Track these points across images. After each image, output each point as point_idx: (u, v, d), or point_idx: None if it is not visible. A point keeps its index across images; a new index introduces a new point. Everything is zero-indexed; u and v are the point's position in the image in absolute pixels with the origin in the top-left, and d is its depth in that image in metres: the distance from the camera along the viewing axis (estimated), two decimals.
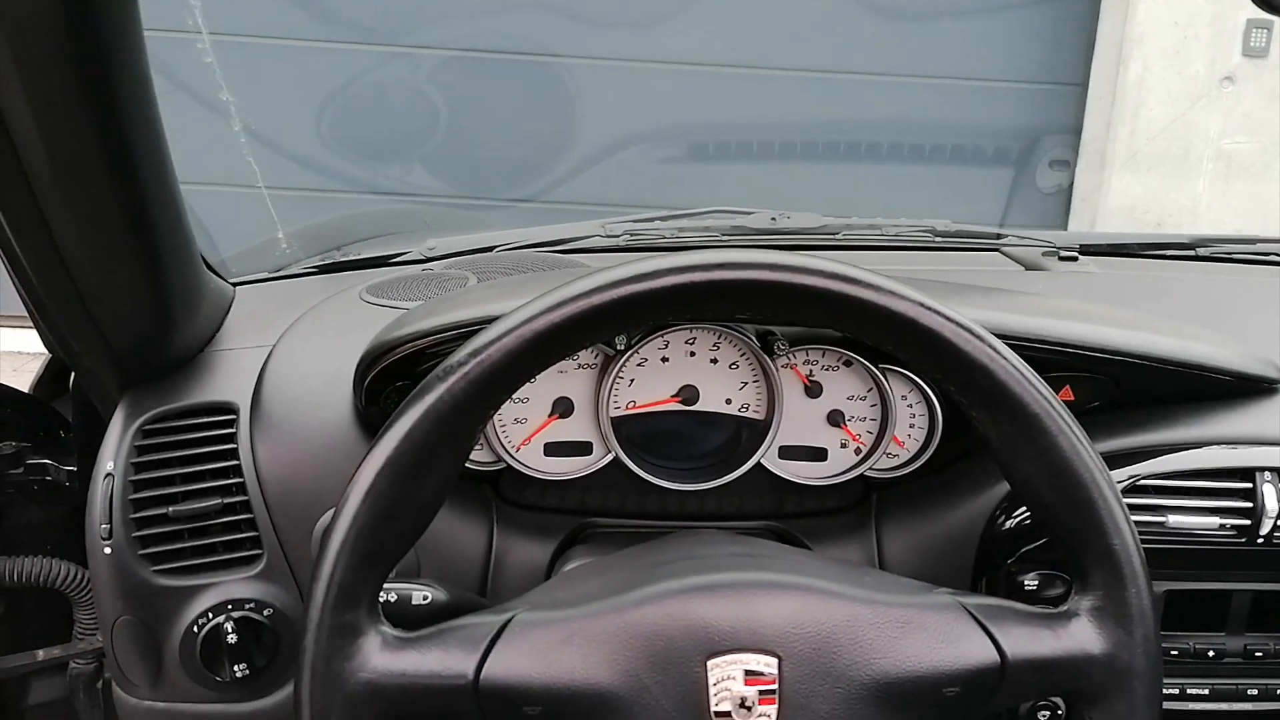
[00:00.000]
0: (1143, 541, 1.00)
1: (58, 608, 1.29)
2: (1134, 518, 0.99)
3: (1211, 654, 1.04)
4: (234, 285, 1.21)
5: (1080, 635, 0.73)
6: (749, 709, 0.70)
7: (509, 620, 0.72)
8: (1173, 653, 1.04)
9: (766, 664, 0.70)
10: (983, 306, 0.73)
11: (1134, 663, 0.72)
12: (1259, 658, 1.04)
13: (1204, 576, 1.02)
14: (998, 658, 0.73)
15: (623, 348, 1.01)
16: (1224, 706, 1.05)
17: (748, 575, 0.74)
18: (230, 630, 0.95)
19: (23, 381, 1.29)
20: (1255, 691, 1.05)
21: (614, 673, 0.70)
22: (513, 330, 0.69)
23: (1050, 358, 1.00)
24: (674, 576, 0.74)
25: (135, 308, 0.95)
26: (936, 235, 1.46)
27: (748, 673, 0.70)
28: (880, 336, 0.72)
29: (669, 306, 0.70)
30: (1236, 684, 1.05)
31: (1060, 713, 1.01)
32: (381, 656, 0.69)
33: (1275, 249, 1.51)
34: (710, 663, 0.70)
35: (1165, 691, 1.04)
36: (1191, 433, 1.04)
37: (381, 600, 0.75)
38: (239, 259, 1.36)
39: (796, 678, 0.70)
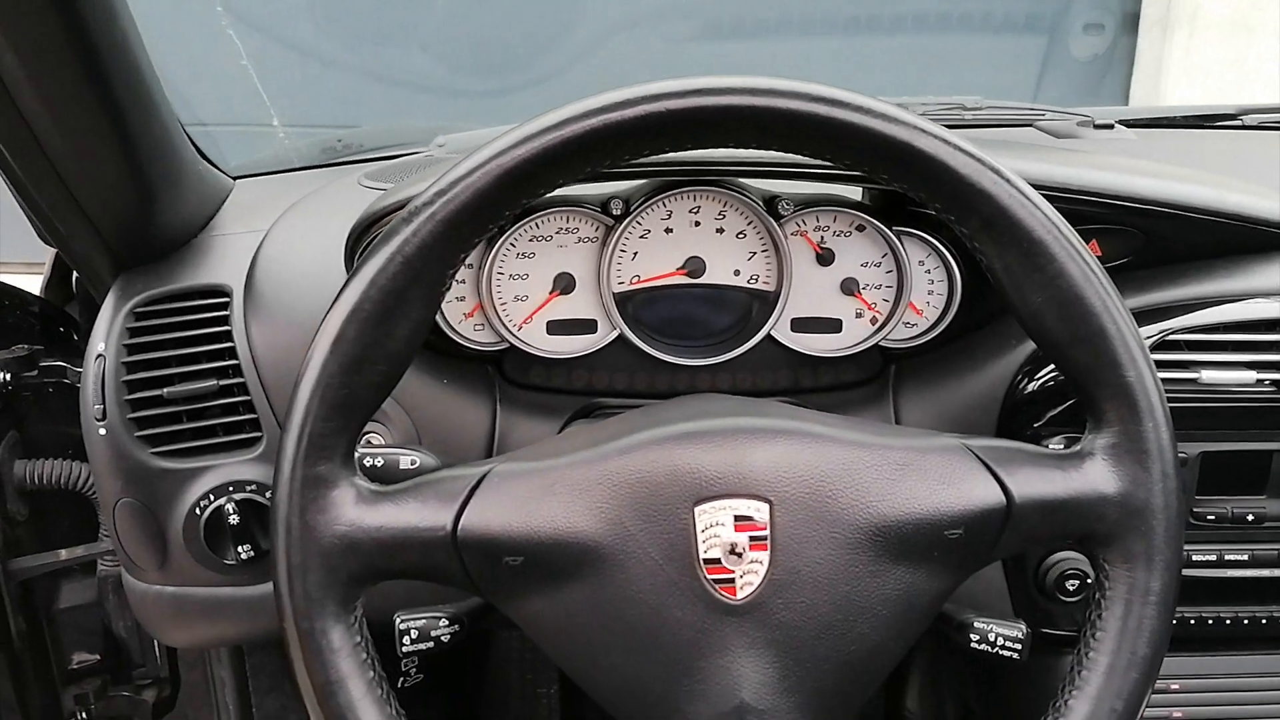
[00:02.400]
0: (1174, 400, 0.95)
1: (83, 511, 1.30)
2: (1164, 375, 0.95)
3: (1251, 518, 0.99)
4: (235, 179, 1.19)
5: (1093, 475, 0.69)
6: (739, 555, 0.67)
7: (487, 472, 0.70)
8: (1209, 518, 0.99)
9: (757, 509, 0.67)
10: (1000, 154, 0.68)
11: (1151, 500, 0.68)
12: None
13: (1242, 436, 0.97)
14: (1003, 499, 0.69)
15: (619, 213, 0.97)
16: (1265, 573, 1.01)
17: (737, 420, 0.71)
18: (232, 511, 0.94)
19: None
20: None
21: (598, 521, 0.68)
22: (481, 167, 0.65)
23: (1075, 209, 0.95)
24: (660, 424, 0.71)
25: (114, 185, 0.93)
26: (966, 111, 1.40)
27: (737, 518, 0.67)
28: (873, 163, 0.67)
29: (644, 137, 0.66)
30: (1278, 550, 1.00)
31: (1089, 580, 0.97)
32: (357, 510, 0.67)
33: None
34: (698, 509, 0.67)
35: (1201, 558, 1.00)
36: (1226, 286, 0.98)
37: (368, 465, 0.73)
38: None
39: (789, 523, 0.67)
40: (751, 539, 0.67)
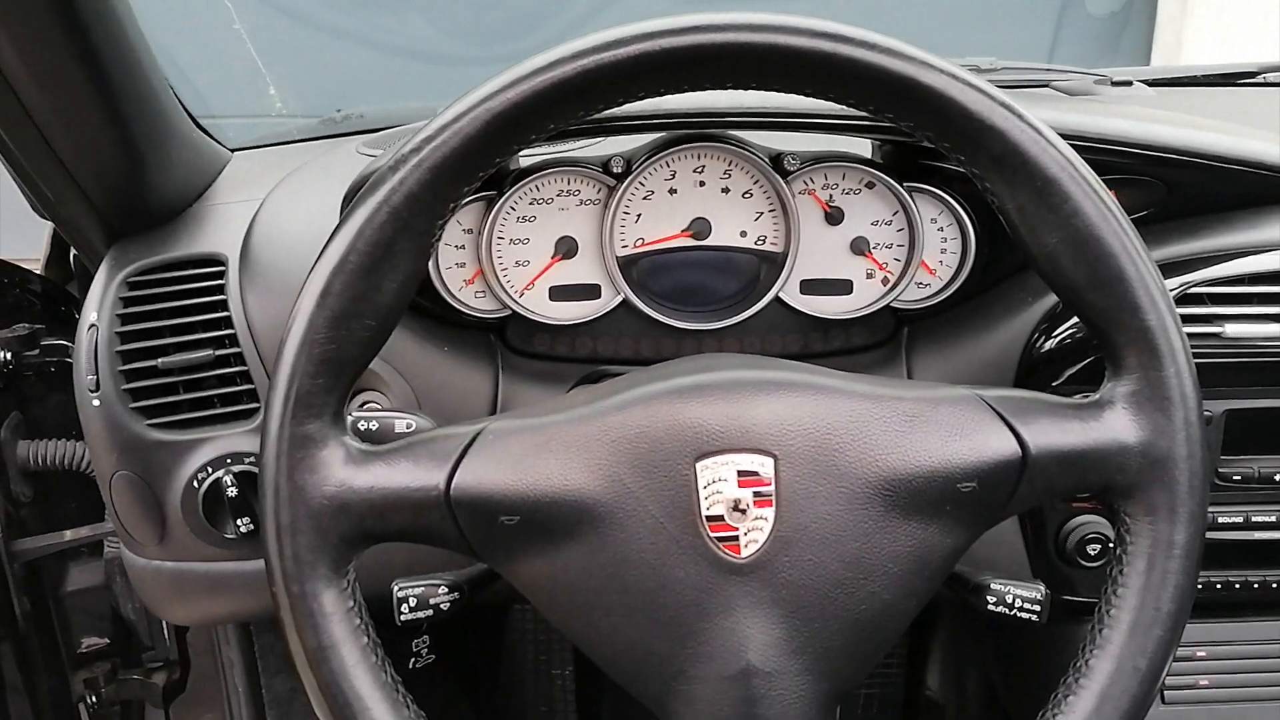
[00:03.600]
0: (1198, 355, 0.91)
1: (90, 492, 1.29)
2: (1187, 330, 0.92)
3: (1279, 478, 0.96)
4: (233, 151, 1.17)
5: (1113, 424, 0.66)
6: (743, 512, 0.64)
7: (481, 430, 0.68)
8: (1235, 478, 0.96)
9: (761, 464, 0.65)
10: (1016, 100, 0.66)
11: (1174, 449, 0.65)
12: None
13: (1268, 393, 0.94)
14: (1018, 450, 0.66)
15: (619, 171, 0.95)
16: None
17: (739, 374, 0.68)
18: (230, 484, 0.93)
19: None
20: None
21: (596, 478, 0.65)
22: (469, 111, 0.63)
23: (1094, 159, 0.91)
24: (659, 380, 0.69)
25: (100, 148, 0.91)
26: (981, 72, 1.36)
27: (741, 473, 0.64)
28: (877, 101, 0.64)
29: (639, 78, 0.63)
30: None
31: (1112, 544, 0.94)
32: (346, 470, 0.65)
33: None
34: (700, 464, 0.65)
35: (1228, 520, 0.97)
36: (1250, 237, 0.95)
37: (362, 429, 0.71)
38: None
39: (794, 478, 0.65)
40: (755, 495, 0.64)
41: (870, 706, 1.63)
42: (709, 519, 0.64)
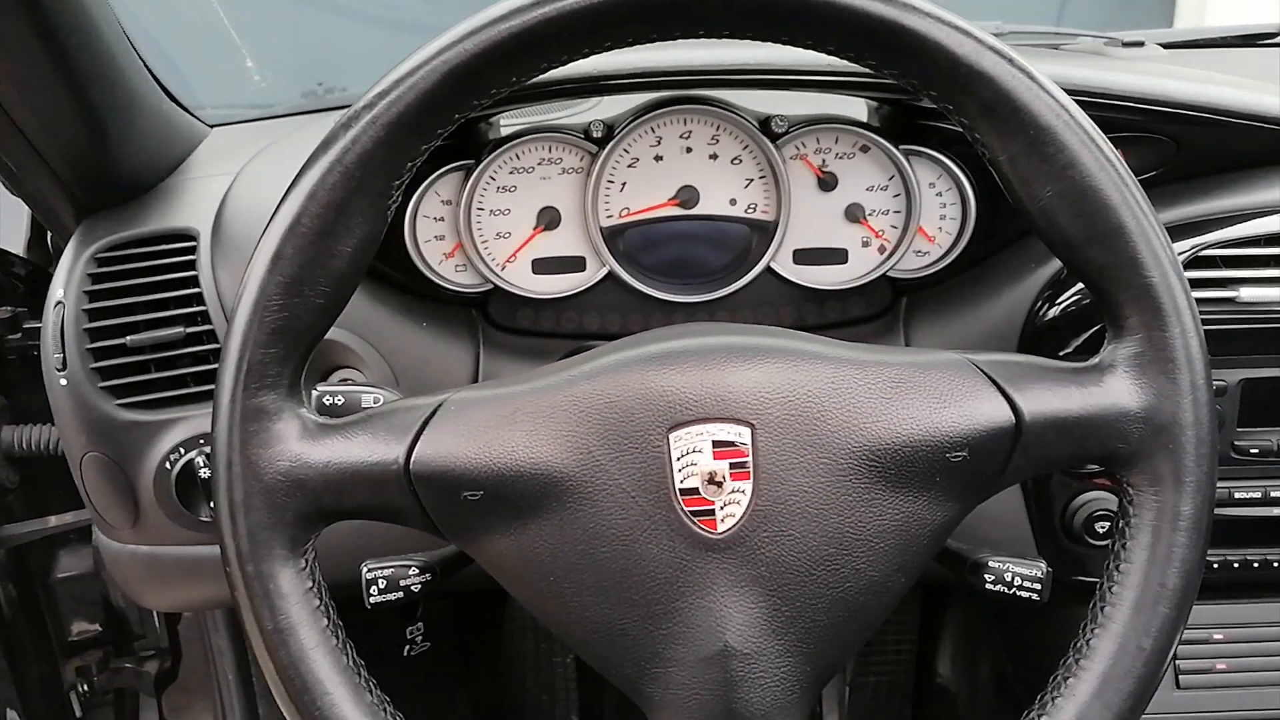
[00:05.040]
0: (1211, 321, 0.87)
1: None
2: (1199, 294, 0.88)
3: None
4: (211, 127, 1.14)
5: (1114, 388, 0.62)
6: (719, 485, 0.61)
7: (443, 401, 0.64)
8: (1252, 451, 0.92)
9: (737, 434, 0.61)
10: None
11: (1180, 414, 0.61)
12: None
13: None
14: (1012, 417, 0.62)
15: (600, 135, 0.91)
16: None
17: (714, 339, 0.64)
18: (204, 465, 0.90)
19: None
20: None
21: (563, 450, 0.62)
22: (425, 64, 0.60)
23: (1101, 116, 0.87)
24: (630, 347, 0.65)
25: (61, 119, 0.89)
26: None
27: (716, 444, 0.61)
28: (859, 47, 0.61)
29: (603, 26, 0.60)
30: None
31: (1121, 524, 0.90)
32: (302, 444, 0.62)
33: None
34: (673, 435, 0.61)
35: (1245, 495, 0.93)
36: (1264, 197, 0.91)
37: (327, 404, 0.68)
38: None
39: (773, 448, 0.61)
40: (732, 467, 0.61)
41: (880, 694, 1.60)
42: (683, 492, 0.61)
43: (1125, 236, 0.61)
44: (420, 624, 1.37)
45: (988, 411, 0.62)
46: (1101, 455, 0.63)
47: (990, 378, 0.63)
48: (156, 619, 1.37)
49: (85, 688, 1.32)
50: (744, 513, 0.61)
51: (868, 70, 0.63)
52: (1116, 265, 0.61)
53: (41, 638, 1.29)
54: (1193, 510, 0.61)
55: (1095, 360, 0.64)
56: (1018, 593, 0.71)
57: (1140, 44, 1.24)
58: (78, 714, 1.33)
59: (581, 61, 0.62)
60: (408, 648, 1.37)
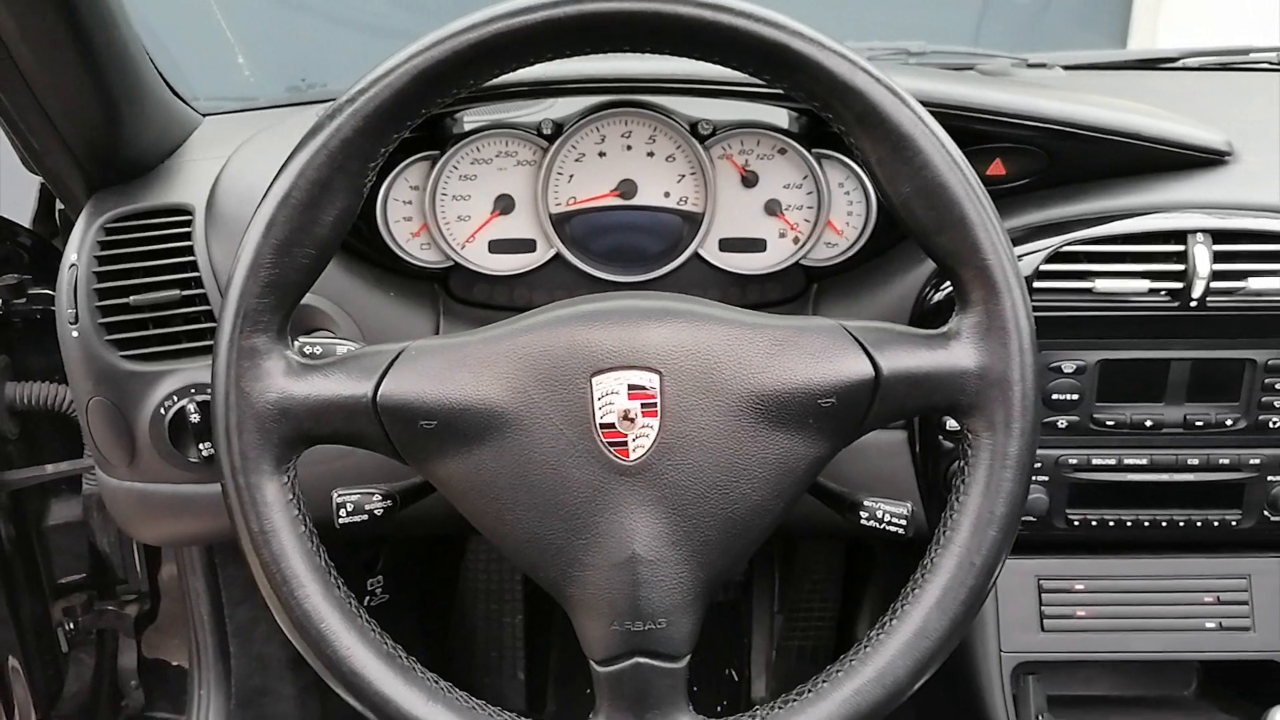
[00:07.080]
0: (1071, 309, 1.01)
1: (72, 434, 1.38)
2: (1060, 285, 1.01)
3: (1149, 424, 1.05)
4: (204, 116, 1.26)
5: (957, 351, 0.75)
6: (631, 420, 0.74)
7: (405, 348, 0.77)
8: (1109, 423, 1.05)
9: (648, 379, 0.74)
10: (900, 75, 0.74)
11: (1009, 372, 0.74)
12: (1199, 427, 1.05)
13: (1139, 345, 1.03)
14: (872, 372, 0.75)
15: (549, 132, 1.04)
16: (1164, 477, 1.07)
17: (634, 303, 0.77)
18: (193, 411, 1.02)
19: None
20: (1196, 461, 1.06)
21: (504, 389, 0.74)
22: (399, 66, 0.72)
23: (976, 128, 1.01)
24: (562, 307, 0.78)
25: (81, 103, 1.00)
26: (911, 56, 1.45)
27: (631, 387, 0.74)
28: (756, 66, 0.73)
29: (541, 41, 0.71)
30: (1176, 455, 1.06)
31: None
32: (287, 379, 0.74)
33: (1269, 56, 1.47)
34: (595, 379, 0.74)
35: (1101, 461, 1.06)
36: (1123, 202, 1.04)
37: (308, 353, 0.80)
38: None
39: (677, 392, 0.74)
40: (643, 406, 0.74)
41: (804, 657, 1.73)
42: (602, 426, 0.74)
43: (967, 225, 0.74)
44: (380, 577, 1.49)
45: (853, 367, 0.75)
46: (946, 405, 0.76)
47: (857, 340, 0.76)
48: (139, 565, 1.48)
49: (71, 626, 1.43)
50: (651, 444, 0.74)
51: None
52: (961, 249, 0.74)
53: (35, 579, 1.39)
54: (1018, 451, 0.74)
55: (945, 329, 0.77)
56: (886, 527, 0.84)
57: (1044, 65, 1.38)
58: (64, 649, 1.44)
59: (537, 67, 0.74)
60: (367, 598, 1.48)
